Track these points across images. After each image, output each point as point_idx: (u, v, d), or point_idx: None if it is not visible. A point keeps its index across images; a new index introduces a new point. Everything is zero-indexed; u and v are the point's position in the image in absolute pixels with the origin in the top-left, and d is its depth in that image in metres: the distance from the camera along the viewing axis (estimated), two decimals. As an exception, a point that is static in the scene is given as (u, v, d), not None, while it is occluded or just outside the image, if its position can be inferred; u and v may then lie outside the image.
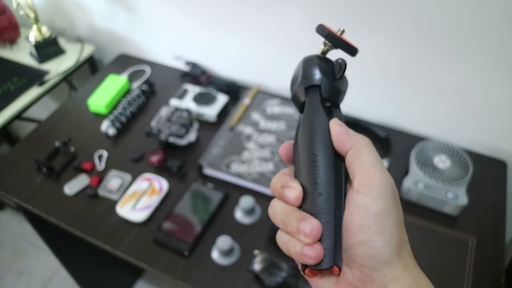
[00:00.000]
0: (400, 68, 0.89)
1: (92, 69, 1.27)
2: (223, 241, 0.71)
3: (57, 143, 0.92)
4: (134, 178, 0.86)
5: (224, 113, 1.00)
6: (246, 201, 0.77)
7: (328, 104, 0.32)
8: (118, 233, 0.77)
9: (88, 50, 1.21)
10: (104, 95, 1.03)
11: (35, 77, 1.12)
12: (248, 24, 0.99)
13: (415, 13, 0.79)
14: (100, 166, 0.89)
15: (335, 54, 0.33)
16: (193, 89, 1.04)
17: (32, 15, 1.13)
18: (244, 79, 1.10)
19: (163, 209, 0.81)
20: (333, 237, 0.28)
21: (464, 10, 0.74)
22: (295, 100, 0.34)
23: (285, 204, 0.30)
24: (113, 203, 0.82)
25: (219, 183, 0.85)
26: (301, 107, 0.33)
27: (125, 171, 0.88)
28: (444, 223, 0.78)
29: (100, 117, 1.01)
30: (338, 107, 0.32)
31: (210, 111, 0.98)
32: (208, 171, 0.87)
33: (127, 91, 1.08)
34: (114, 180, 0.85)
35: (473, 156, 0.86)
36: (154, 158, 0.87)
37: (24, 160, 0.91)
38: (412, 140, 0.91)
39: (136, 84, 1.09)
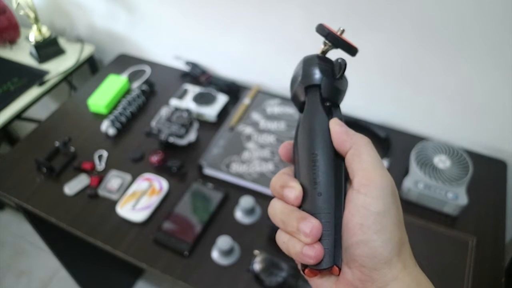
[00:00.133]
0: (400, 68, 0.89)
1: (92, 69, 1.27)
2: (223, 241, 0.71)
3: (57, 143, 0.92)
4: (134, 178, 0.86)
5: (224, 113, 1.00)
6: (246, 201, 0.77)
7: (328, 104, 0.32)
8: (118, 233, 0.77)
9: (88, 50, 1.21)
10: (104, 95, 1.03)
11: (35, 77, 1.12)
12: (248, 24, 0.99)
13: (415, 13, 0.79)
14: (100, 166, 0.89)
15: (335, 54, 0.33)
16: (193, 89, 1.04)
17: (32, 15, 1.13)
18: (244, 79, 1.10)
19: (163, 209, 0.81)
20: (333, 237, 0.28)
21: (464, 10, 0.74)
22: (295, 99, 0.34)
23: (285, 204, 0.30)
24: (113, 203, 0.82)
25: (219, 183, 0.85)
26: (301, 107, 0.33)
27: (125, 171, 0.88)
28: (444, 223, 0.78)
29: (100, 117, 1.01)
30: (338, 106, 0.32)
31: (210, 111, 0.98)
32: (208, 171, 0.87)
33: (127, 91, 1.08)
34: (114, 180, 0.85)
35: (473, 156, 0.86)
36: (154, 158, 0.87)
37: (24, 160, 0.91)
38: (412, 140, 0.91)
39: (136, 84, 1.09)
